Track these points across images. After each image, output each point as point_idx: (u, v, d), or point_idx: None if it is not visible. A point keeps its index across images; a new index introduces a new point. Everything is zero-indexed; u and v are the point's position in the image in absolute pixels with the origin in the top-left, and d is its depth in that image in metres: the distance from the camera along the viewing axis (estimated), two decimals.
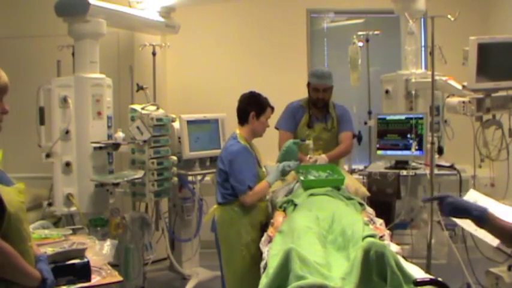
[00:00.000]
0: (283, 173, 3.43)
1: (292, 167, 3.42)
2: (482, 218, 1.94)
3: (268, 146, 3.83)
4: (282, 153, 3.52)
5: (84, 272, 2.39)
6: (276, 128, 3.97)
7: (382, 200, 3.92)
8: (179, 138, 4.35)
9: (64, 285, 2.33)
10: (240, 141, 3.36)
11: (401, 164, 4.06)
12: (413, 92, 4.26)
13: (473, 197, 2.65)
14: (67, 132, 3.88)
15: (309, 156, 3.73)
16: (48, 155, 3.90)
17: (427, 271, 2.57)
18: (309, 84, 4.02)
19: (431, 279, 1.96)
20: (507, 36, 3.59)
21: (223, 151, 3.42)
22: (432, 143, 3.63)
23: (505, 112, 3.57)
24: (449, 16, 3.47)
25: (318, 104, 3.99)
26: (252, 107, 3.40)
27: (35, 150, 3.96)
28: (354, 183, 3.72)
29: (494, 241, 2.67)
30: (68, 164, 3.91)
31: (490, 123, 3.58)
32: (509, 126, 3.56)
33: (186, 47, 5.47)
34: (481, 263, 3.72)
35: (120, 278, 2.54)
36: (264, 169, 3.54)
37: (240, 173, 3.27)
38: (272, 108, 3.49)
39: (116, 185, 3.99)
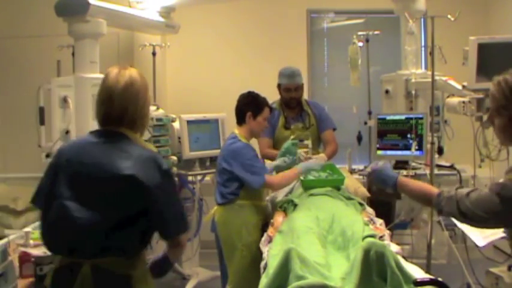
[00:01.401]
0: (282, 169, 3.44)
1: (288, 162, 3.45)
2: (395, 186, 2.18)
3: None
4: (280, 154, 3.53)
5: None
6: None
7: (382, 200, 3.92)
8: (179, 138, 4.34)
9: None
10: (241, 139, 3.37)
11: (402, 164, 4.06)
12: (413, 92, 4.26)
13: None
14: (67, 132, 3.88)
15: (307, 155, 3.73)
16: (48, 155, 3.89)
17: (427, 271, 2.57)
18: (279, 86, 4.02)
19: (431, 279, 1.96)
20: (507, 36, 3.59)
21: (224, 150, 3.40)
22: (432, 143, 3.63)
23: None
24: (449, 16, 3.47)
25: (292, 104, 4.00)
26: (248, 107, 3.40)
27: (35, 150, 3.96)
28: (353, 183, 3.72)
29: (481, 241, 2.70)
30: None
31: (490, 123, 3.58)
32: None
33: (186, 47, 5.47)
34: (481, 263, 3.71)
35: None
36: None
37: (252, 165, 3.26)
38: (270, 109, 3.49)
39: None
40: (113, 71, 2.06)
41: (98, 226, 1.90)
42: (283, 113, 4.03)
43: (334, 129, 4.16)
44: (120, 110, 2.00)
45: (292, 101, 3.99)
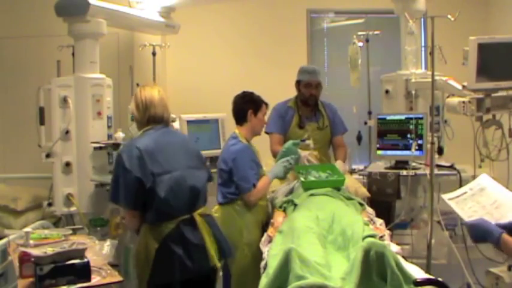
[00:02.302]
0: (286, 170, 3.43)
1: (292, 162, 3.45)
2: (498, 244, 2.07)
3: (264, 151, 3.83)
4: (281, 154, 3.53)
5: (84, 272, 2.40)
6: (266, 132, 3.92)
7: (382, 200, 3.92)
8: None
9: (64, 285, 2.34)
10: (242, 141, 3.38)
11: (401, 164, 4.06)
12: (413, 92, 4.26)
13: (484, 181, 2.65)
14: (67, 132, 3.88)
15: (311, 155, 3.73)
16: (48, 155, 3.90)
17: (427, 271, 2.57)
18: (298, 83, 4.03)
19: (431, 279, 1.96)
20: (507, 36, 3.59)
21: (224, 151, 3.42)
22: (432, 143, 3.63)
23: (505, 112, 3.56)
24: (449, 16, 3.47)
25: (310, 101, 4.02)
26: (248, 105, 3.42)
27: (35, 150, 3.96)
28: (353, 183, 3.72)
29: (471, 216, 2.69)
30: (68, 164, 3.91)
31: (490, 123, 3.58)
32: (509, 126, 3.56)
33: (186, 47, 5.47)
34: (481, 263, 3.71)
35: (120, 278, 2.54)
36: (264, 168, 3.54)
37: (244, 170, 3.28)
38: (266, 105, 3.52)
39: None
40: (145, 87, 2.94)
41: (203, 182, 2.87)
42: (297, 111, 4.04)
43: (346, 131, 4.22)
44: (162, 111, 2.85)
45: (311, 97, 4.01)
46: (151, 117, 2.81)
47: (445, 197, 2.67)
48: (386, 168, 4.11)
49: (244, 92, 3.49)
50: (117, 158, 2.75)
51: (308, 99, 4.02)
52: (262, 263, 2.55)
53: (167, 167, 2.72)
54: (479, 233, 2.14)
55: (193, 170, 2.82)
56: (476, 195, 2.59)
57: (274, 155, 3.84)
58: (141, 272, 2.75)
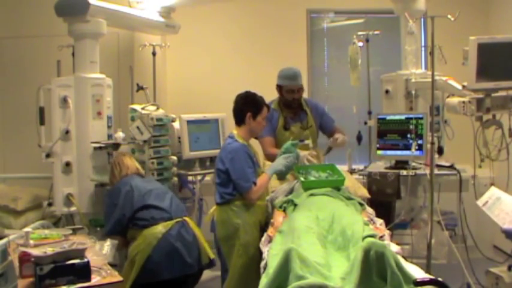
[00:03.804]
0: (285, 165, 3.43)
1: (292, 158, 3.44)
2: None
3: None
4: (280, 155, 3.52)
5: (84, 272, 2.40)
6: (255, 137, 3.81)
7: (382, 200, 3.92)
8: (179, 138, 4.35)
9: (64, 285, 2.34)
10: (238, 140, 3.36)
11: (401, 164, 4.06)
12: (413, 92, 4.26)
13: (497, 192, 2.73)
14: (67, 132, 3.88)
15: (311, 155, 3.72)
16: (48, 155, 3.90)
17: (427, 271, 2.57)
18: (279, 87, 4.00)
19: (431, 279, 1.96)
20: (507, 36, 3.59)
21: (222, 151, 3.41)
22: (432, 143, 3.63)
23: (505, 112, 3.57)
24: (449, 16, 3.47)
25: (293, 105, 3.99)
26: (248, 107, 3.38)
27: (35, 150, 3.96)
28: (353, 184, 3.72)
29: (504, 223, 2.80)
30: (68, 164, 3.91)
31: (490, 123, 3.58)
32: (509, 126, 3.56)
33: (186, 47, 5.47)
34: (481, 263, 3.72)
35: (120, 278, 2.55)
36: (262, 169, 3.54)
37: (242, 169, 3.27)
38: (268, 107, 3.48)
39: None
40: (118, 158, 3.73)
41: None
42: (281, 113, 4.02)
43: (333, 122, 4.20)
44: (134, 169, 3.68)
45: (294, 101, 3.98)
46: (124, 175, 3.58)
47: (479, 203, 2.83)
48: (386, 168, 4.11)
49: (246, 92, 3.44)
50: (107, 199, 3.51)
51: (291, 104, 3.99)
52: (262, 263, 2.55)
53: (149, 187, 3.47)
54: None
55: (164, 187, 3.66)
56: (497, 204, 2.74)
57: (268, 158, 3.84)
58: (127, 272, 3.15)
